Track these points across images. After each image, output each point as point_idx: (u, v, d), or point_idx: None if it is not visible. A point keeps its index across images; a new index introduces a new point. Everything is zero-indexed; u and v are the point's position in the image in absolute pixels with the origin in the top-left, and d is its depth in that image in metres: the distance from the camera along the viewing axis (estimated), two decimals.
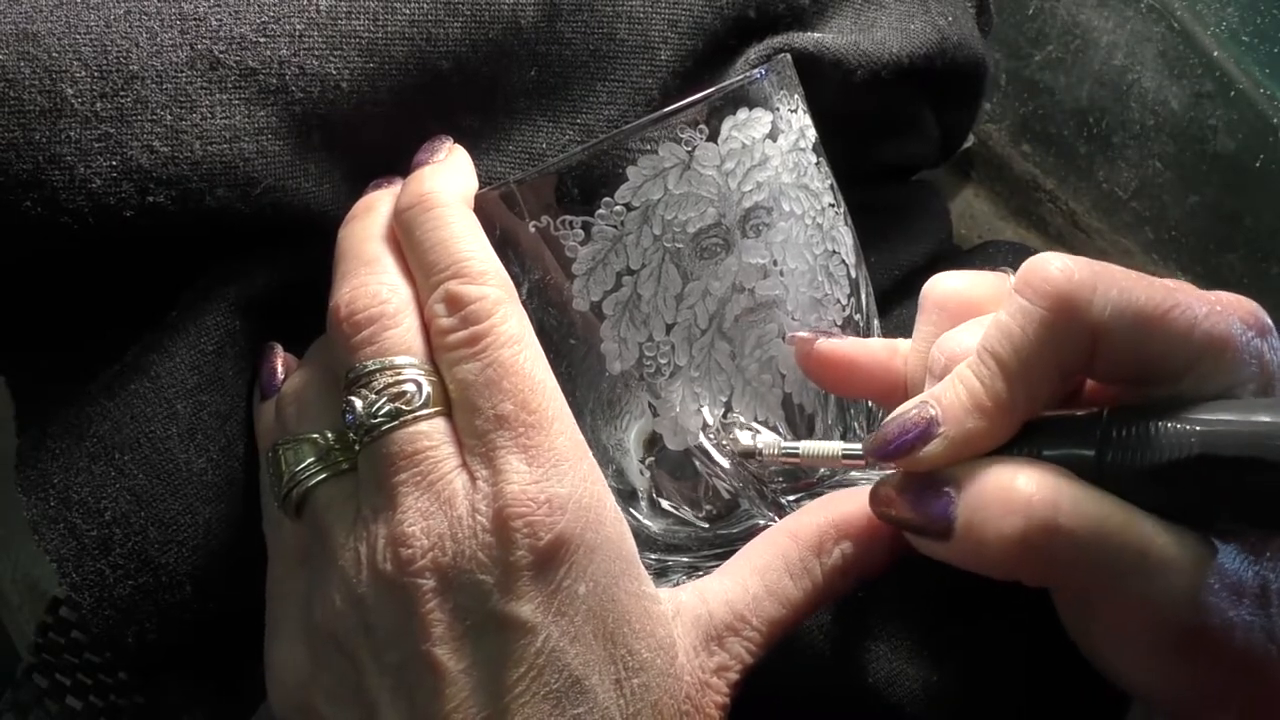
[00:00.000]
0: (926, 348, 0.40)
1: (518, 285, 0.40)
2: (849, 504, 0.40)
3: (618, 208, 0.40)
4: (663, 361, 0.41)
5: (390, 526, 0.37)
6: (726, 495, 0.43)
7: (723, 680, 0.39)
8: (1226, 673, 0.37)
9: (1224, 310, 0.36)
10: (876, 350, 0.42)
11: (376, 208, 0.43)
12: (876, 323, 0.46)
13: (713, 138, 0.40)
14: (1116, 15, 0.68)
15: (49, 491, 0.43)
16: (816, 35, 0.51)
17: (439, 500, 0.37)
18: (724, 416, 0.42)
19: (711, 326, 0.41)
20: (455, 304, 0.39)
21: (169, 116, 0.41)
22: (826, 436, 0.43)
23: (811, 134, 0.44)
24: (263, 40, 0.42)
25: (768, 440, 0.40)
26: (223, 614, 0.45)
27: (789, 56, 0.45)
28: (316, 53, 0.42)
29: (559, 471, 0.37)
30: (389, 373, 0.39)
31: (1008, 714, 0.49)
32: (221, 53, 0.41)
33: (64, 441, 0.43)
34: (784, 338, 0.42)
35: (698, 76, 0.50)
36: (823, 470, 0.43)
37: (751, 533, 0.42)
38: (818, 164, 0.44)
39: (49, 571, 0.44)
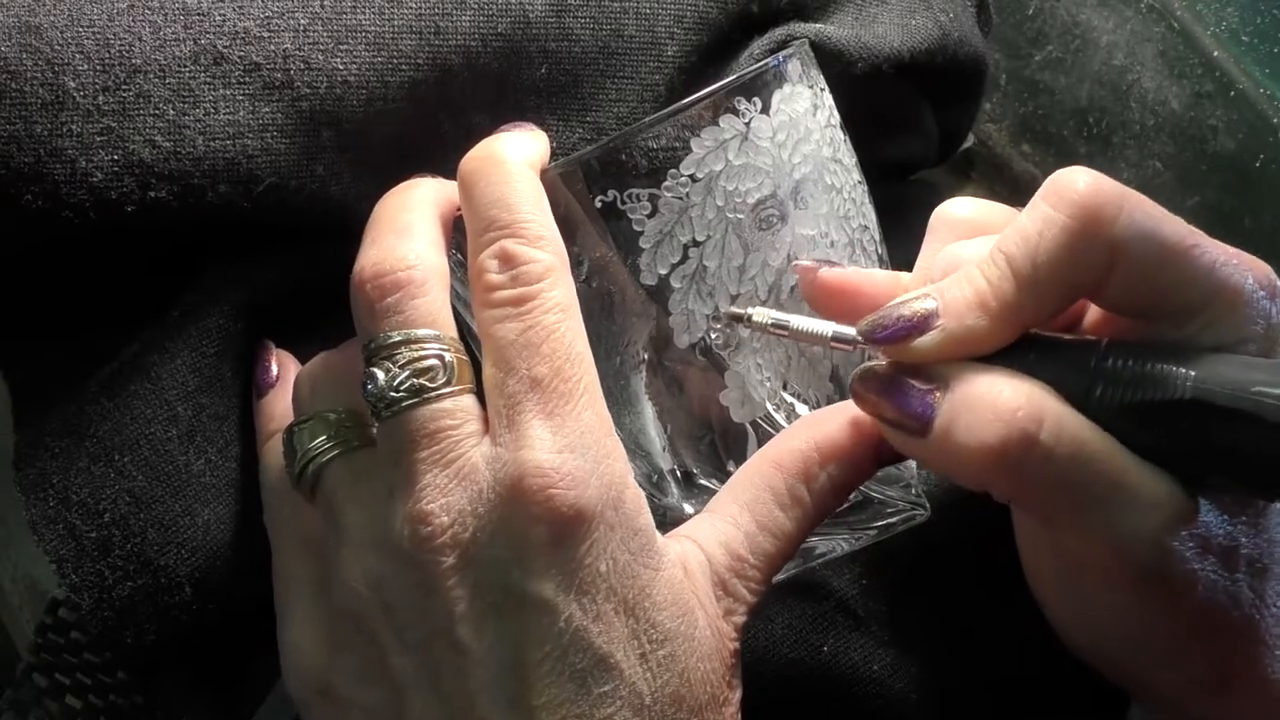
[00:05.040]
0: (923, 269, 0.40)
1: (578, 263, 0.40)
2: (830, 424, 0.40)
3: (683, 179, 0.40)
4: (729, 333, 0.41)
5: (409, 504, 0.36)
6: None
7: (730, 625, 0.38)
8: (1182, 626, 0.37)
9: (1240, 264, 0.36)
10: (880, 280, 0.41)
11: (417, 184, 0.42)
12: None
13: (765, 110, 0.40)
14: (1116, 15, 0.68)
15: (48, 492, 0.43)
16: (818, 26, 0.51)
17: (459, 476, 0.36)
18: (783, 388, 0.41)
19: (770, 298, 0.41)
20: (507, 262, 0.38)
21: (171, 111, 0.40)
22: None
23: (837, 114, 0.44)
24: (266, 35, 0.42)
25: (760, 310, 0.40)
26: (222, 615, 0.44)
27: (808, 41, 0.45)
28: (322, 47, 0.42)
29: (583, 443, 0.36)
30: (413, 346, 0.38)
31: (1006, 705, 0.49)
32: (225, 47, 0.41)
33: (64, 441, 0.43)
34: None
35: (702, 72, 0.50)
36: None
37: None
38: (846, 141, 0.44)
39: (49, 571, 0.43)
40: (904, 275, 0.41)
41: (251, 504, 0.44)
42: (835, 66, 0.49)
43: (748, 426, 0.42)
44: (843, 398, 0.42)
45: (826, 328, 0.39)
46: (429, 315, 0.38)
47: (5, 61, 0.39)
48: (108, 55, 0.40)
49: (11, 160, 0.39)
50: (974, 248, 0.38)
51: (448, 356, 0.38)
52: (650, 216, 0.40)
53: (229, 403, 0.44)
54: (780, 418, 0.42)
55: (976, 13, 0.59)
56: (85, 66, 0.40)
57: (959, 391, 0.35)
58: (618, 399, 0.41)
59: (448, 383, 0.37)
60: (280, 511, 0.42)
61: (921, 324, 0.36)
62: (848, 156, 0.44)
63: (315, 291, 0.44)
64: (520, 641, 0.35)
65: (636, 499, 0.37)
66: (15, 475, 0.43)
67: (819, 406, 0.42)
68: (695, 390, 0.41)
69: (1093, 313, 0.40)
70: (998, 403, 0.34)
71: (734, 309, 0.40)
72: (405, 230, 0.40)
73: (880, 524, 0.43)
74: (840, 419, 0.40)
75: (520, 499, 0.35)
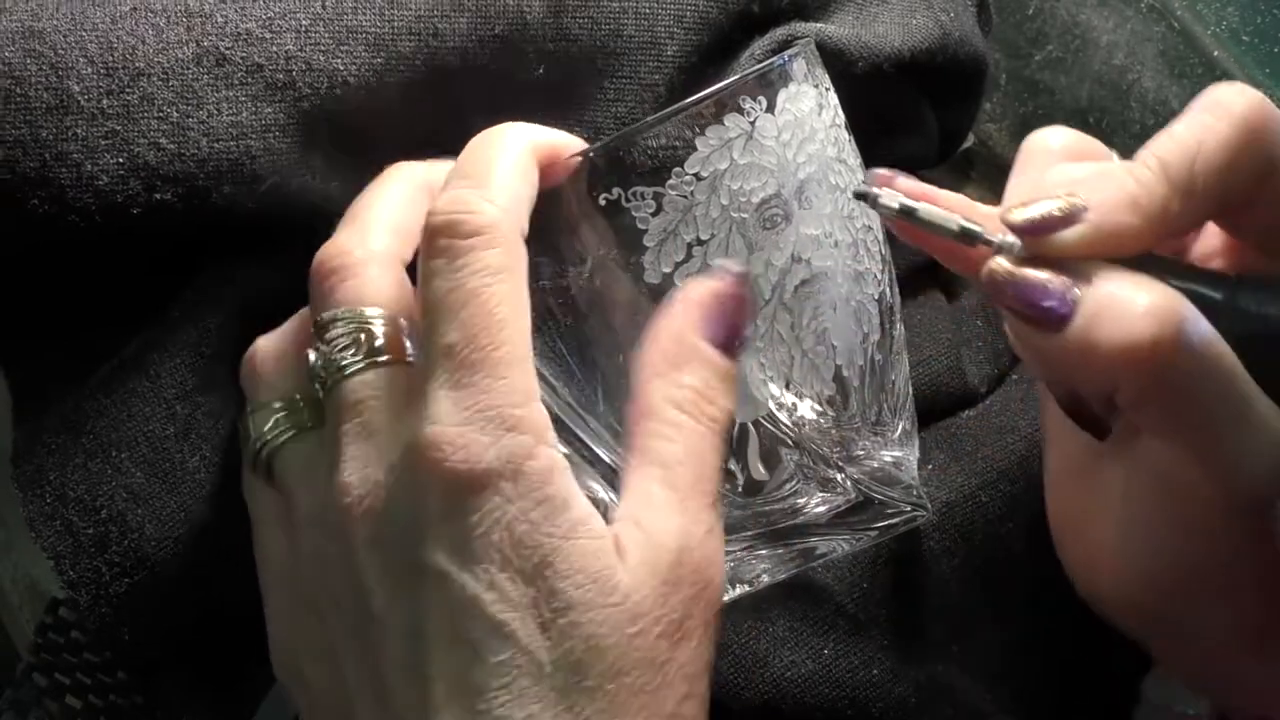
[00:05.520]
0: (1030, 188, 0.39)
1: (581, 261, 0.40)
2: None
3: (687, 178, 0.39)
4: None
5: (333, 476, 0.37)
6: (761, 471, 0.42)
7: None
8: (1259, 565, 0.37)
9: None
10: (955, 201, 0.40)
11: (392, 172, 0.42)
12: (898, 301, 0.45)
13: (770, 109, 0.40)
14: (1116, 15, 0.68)
15: (45, 488, 0.43)
16: (819, 25, 0.51)
17: (378, 447, 0.37)
18: (785, 387, 0.41)
19: (774, 297, 0.41)
20: (452, 207, 0.37)
21: (175, 113, 0.41)
22: (862, 414, 0.43)
23: (842, 114, 0.44)
24: (269, 36, 0.42)
25: (889, 191, 0.39)
26: (220, 613, 0.44)
27: (813, 40, 0.45)
28: (323, 48, 0.42)
29: (484, 416, 0.35)
30: (341, 323, 0.38)
31: (1008, 709, 0.50)
32: (227, 49, 0.41)
33: (61, 437, 0.43)
34: (834, 309, 0.41)
35: (702, 72, 0.50)
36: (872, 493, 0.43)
37: (790, 512, 0.42)
38: (850, 141, 0.44)
39: (49, 572, 0.43)
40: (980, 206, 0.41)
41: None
42: (836, 66, 0.49)
43: (749, 426, 0.42)
44: (844, 398, 0.42)
45: (953, 220, 0.38)
46: (359, 293, 0.39)
47: (9, 66, 0.39)
48: (111, 59, 0.40)
49: (17, 165, 0.39)
50: (1085, 169, 0.38)
51: (375, 328, 0.38)
52: (654, 215, 0.40)
53: (225, 401, 0.44)
54: (783, 417, 0.42)
55: (977, 12, 0.59)
56: (89, 70, 0.40)
57: (1104, 287, 0.35)
58: (620, 398, 0.41)
59: (371, 354, 0.38)
60: (254, 491, 0.42)
61: (1069, 217, 0.36)
62: (852, 156, 0.44)
63: None
64: (421, 612, 0.35)
65: (546, 470, 0.36)
66: (12, 471, 0.43)
67: (821, 405, 0.42)
68: None
69: (1204, 247, 0.40)
70: (1148, 299, 0.34)
71: (862, 186, 0.39)
72: (354, 219, 0.41)
73: (881, 525, 0.43)
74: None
75: (417, 468, 0.35)
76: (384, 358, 0.38)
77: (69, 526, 0.42)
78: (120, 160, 0.40)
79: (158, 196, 0.41)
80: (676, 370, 0.38)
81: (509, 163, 0.39)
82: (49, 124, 0.39)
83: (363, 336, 0.38)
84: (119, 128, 0.40)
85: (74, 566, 0.42)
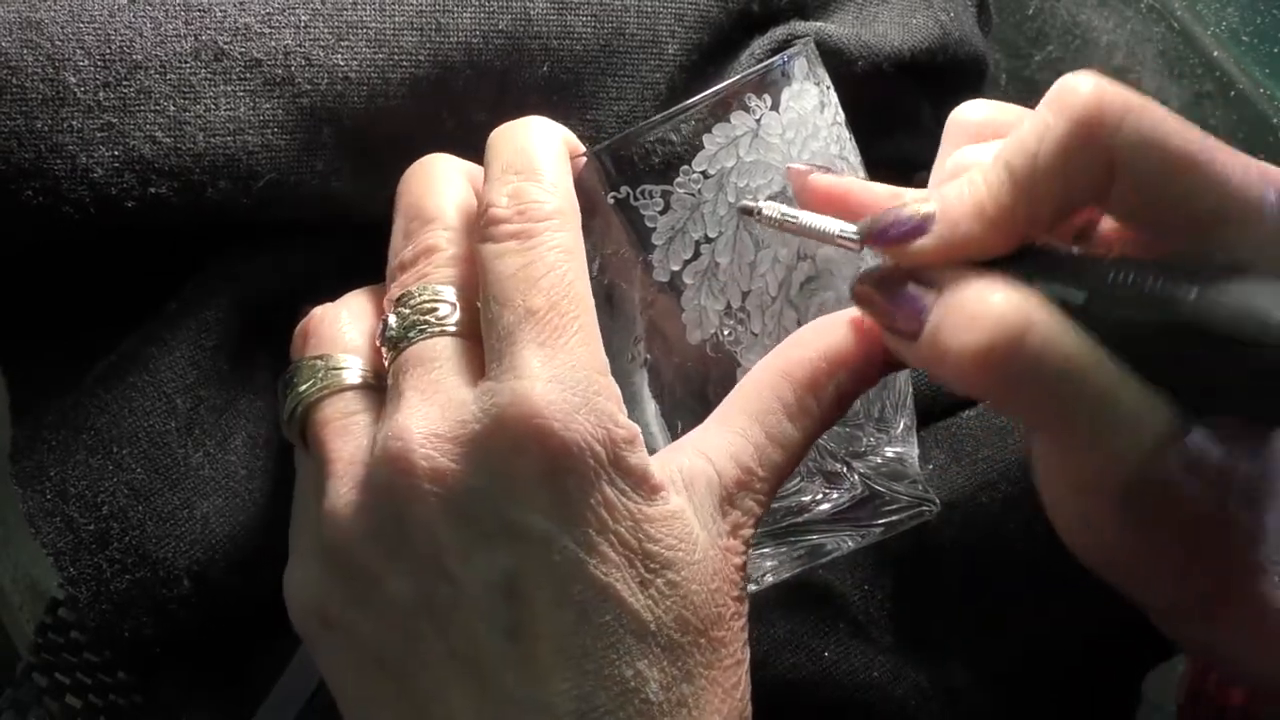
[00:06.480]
0: (942, 168, 0.39)
1: (590, 259, 0.40)
2: (837, 332, 0.39)
3: (695, 176, 0.40)
4: (740, 330, 0.41)
5: (388, 425, 0.37)
6: None
7: (739, 540, 0.38)
8: (1166, 546, 0.36)
9: (1264, 178, 0.34)
10: (879, 192, 0.40)
11: (438, 159, 0.42)
12: None
13: (774, 107, 0.40)
14: (1116, 15, 0.68)
15: (45, 484, 0.42)
16: (819, 24, 0.51)
17: (442, 405, 0.37)
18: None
19: (780, 294, 0.41)
20: (518, 198, 0.38)
21: (172, 107, 0.41)
22: (866, 410, 0.43)
23: (842, 112, 0.44)
24: (268, 30, 0.42)
25: (770, 204, 0.40)
26: (221, 611, 0.44)
27: (813, 39, 0.45)
28: (323, 43, 0.42)
29: (573, 377, 0.36)
30: (429, 293, 0.39)
31: (1008, 711, 0.49)
32: (226, 43, 0.41)
33: (60, 434, 0.43)
34: (839, 305, 0.41)
35: (703, 70, 0.50)
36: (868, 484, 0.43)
37: (796, 509, 0.42)
38: (851, 139, 0.44)
39: (49, 571, 0.43)
40: (905, 190, 0.40)
41: (250, 497, 0.44)
42: (835, 65, 0.49)
43: None
44: None
45: (834, 225, 0.39)
46: (448, 274, 0.40)
47: (6, 57, 0.39)
48: (108, 51, 0.40)
49: (12, 156, 0.39)
50: (983, 152, 0.38)
51: (455, 303, 0.39)
52: (663, 213, 0.40)
53: (227, 395, 0.44)
54: None
55: (977, 12, 0.59)
56: (86, 62, 0.40)
57: (949, 295, 0.35)
58: (624, 396, 0.41)
59: (450, 323, 0.38)
60: (298, 453, 0.42)
61: (920, 226, 0.36)
62: (853, 154, 0.44)
63: (313, 286, 0.44)
64: (514, 572, 0.35)
65: (630, 436, 0.37)
66: (11, 467, 0.43)
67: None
68: (707, 389, 0.41)
69: (1108, 223, 0.39)
70: (985, 307, 0.34)
71: (745, 202, 0.40)
72: (433, 218, 0.41)
73: (888, 520, 0.43)
74: (848, 327, 0.39)
75: (506, 427, 0.35)
76: (458, 329, 0.39)
77: (69, 523, 0.42)
78: (115, 153, 0.40)
79: (152, 190, 0.41)
80: (809, 391, 0.39)
81: (554, 156, 0.40)
82: (45, 115, 0.39)
83: (444, 309, 0.39)
84: (115, 120, 0.40)
85: (74, 563, 0.42)
